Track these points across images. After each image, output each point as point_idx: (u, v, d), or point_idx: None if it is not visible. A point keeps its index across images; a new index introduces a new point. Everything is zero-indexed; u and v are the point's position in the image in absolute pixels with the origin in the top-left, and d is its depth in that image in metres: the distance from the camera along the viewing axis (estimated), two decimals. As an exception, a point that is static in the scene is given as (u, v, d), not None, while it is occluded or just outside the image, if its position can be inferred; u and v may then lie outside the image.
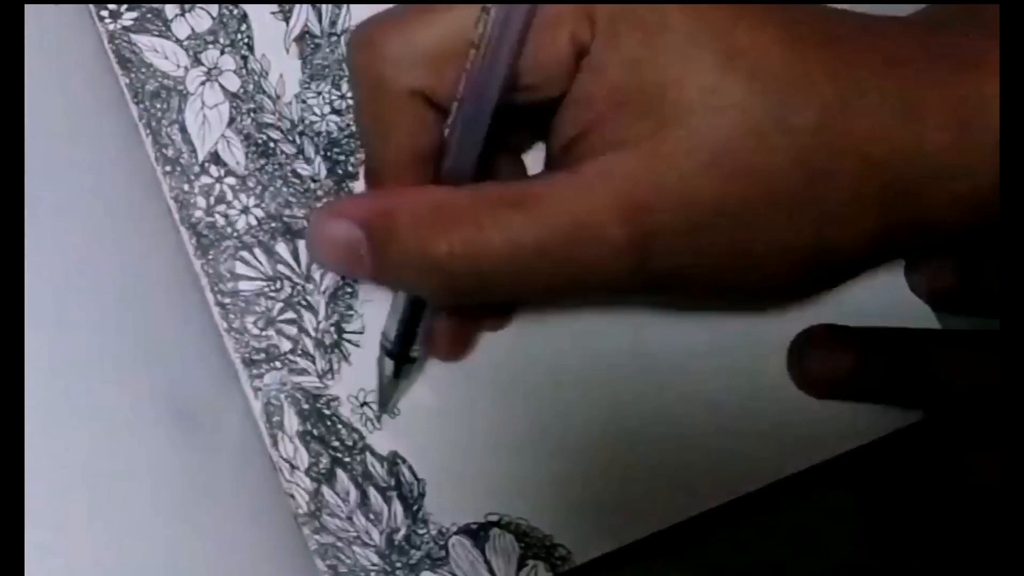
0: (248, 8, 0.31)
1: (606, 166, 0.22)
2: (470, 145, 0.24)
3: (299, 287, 0.30)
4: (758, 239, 0.23)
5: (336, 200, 0.25)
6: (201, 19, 0.31)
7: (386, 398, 0.29)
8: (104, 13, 0.31)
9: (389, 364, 0.27)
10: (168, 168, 0.30)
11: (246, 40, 0.31)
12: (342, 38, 0.31)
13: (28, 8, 0.29)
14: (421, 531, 0.29)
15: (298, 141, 0.30)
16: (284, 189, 0.30)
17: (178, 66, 0.31)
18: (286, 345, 0.30)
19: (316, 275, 0.30)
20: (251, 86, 0.31)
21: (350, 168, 0.30)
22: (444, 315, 0.27)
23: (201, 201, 0.30)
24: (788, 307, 0.29)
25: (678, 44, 0.22)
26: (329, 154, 0.30)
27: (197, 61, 0.31)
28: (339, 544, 0.29)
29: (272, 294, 0.30)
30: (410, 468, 0.29)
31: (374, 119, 0.25)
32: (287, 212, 0.30)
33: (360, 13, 0.31)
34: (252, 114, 0.31)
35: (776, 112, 0.22)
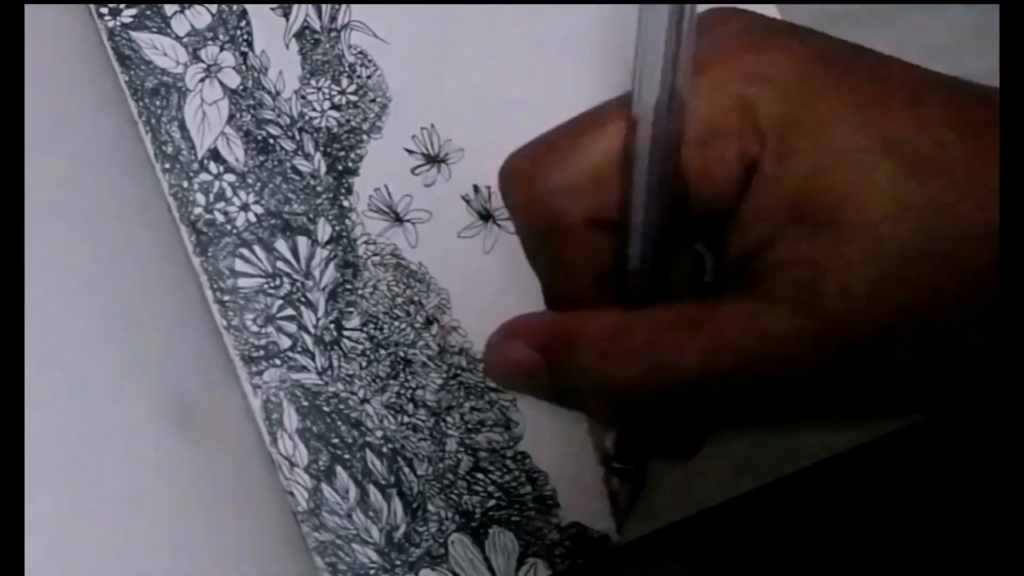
0: (247, 4, 0.31)
1: (788, 281, 0.22)
2: (648, 262, 0.23)
3: (298, 284, 0.30)
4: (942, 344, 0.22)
5: (512, 321, 0.25)
6: (200, 16, 0.31)
7: (625, 511, 0.28)
8: (104, 10, 0.31)
9: (625, 485, 0.27)
10: (167, 165, 0.30)
11: (245, 36, 0.31)
12: (342, 34, 0.31)
13: (28, 7, 0.29)
14: (420, 529, 0.29)
15: (298, 137, 0.30)
16: (284, 186, 0.30)
17: (177, 63, 0.31)
18: (285, 342, 0.30)
19: (315, 272, 0.30)
20: (250, 82, 0.31)
21: (350, 164, 0.30)
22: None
23: (200, 198, 0.30)
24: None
25: (849, 159, 0.21)
26: (329, 150, 0.30)
27: (196, 58, 0.31)
28: (338, 542, 0.29)
29: (271, 291, 0.30)
30: (411, 467, 0.29)
31: (555, 254, 0.24)
32: (287, 209, 0.30)
33: (359, 8, 0.30)
34: (251, 110, 0.30)
35: (948, 213, 0.21)
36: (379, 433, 0.30)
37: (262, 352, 0.30)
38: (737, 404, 0.24)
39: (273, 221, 0.30)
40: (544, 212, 0.23)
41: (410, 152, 0.30)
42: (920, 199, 0.21)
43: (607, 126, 0.23)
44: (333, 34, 0.31)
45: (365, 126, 0.30)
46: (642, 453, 0.27)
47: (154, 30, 0.31)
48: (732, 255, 0.24)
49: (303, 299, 0.30)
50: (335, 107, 0.30)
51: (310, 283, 0.30)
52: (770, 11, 0.29)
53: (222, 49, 0.31)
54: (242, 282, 0.30)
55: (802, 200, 0.22)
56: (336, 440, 0.30)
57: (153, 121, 0.30)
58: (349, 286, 0.30)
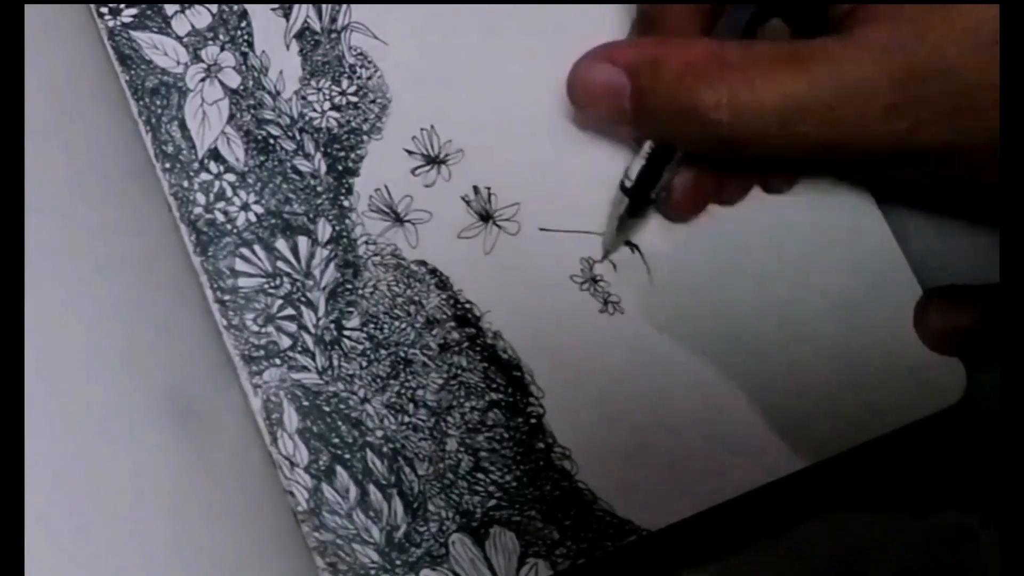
0: (247, 5, 0.31)
1: (882, 34, 0.23)
2: (748, 6, 0.24)
3: (299, 284, 0.30)
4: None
5: (602, 45, 0.26)
6: (201, 16, 0.31)
7: (613, 238, 0.29)
8: (104, 10, 0.31)
9: (624, 201, 0.28)
10: (168, 165, 0.30)
11: (246, 37, 0.31)
12: (342, 35, 0.31)
13: (28, 7, 0.28)
14: (421, 528, 0.29)
15: (298, 137, 0.30)
16: (284, 186, 0.30)
17: (178, 63, 0.31)
18: (285, 342, 0.30)
19: (316, 272, 0.30)
20: (251, 82, 0.31)
21: (350, 164, 0.30)
22: (688, 170, 0.28)
23: (200, 198, 0.30)
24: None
25: None
26: (329, 150, 0.30)
27: (197, 58, 0.31)
28: (339, 541, 0.29)
29: (271, 291, 0.30)
30: (411, 466, 0.29)
31: None
32: (287, 209, 0.30)
33: (359, 10, 0.30)
34: (252, 110, 0.30)
35: None
36: (379, 433, 0.30)
37: (262, 352, 0.30)
38: (813, 145, 0.24)
39: (273, 221, 0.30)
40: None
41: (410, 153, 0.30)
42: None
43: None
44: (333, 35, 0.31)
45: (365, 127, 0.30)
46: (652, 180, 0.27)
47: (154, 30, 0.31)
48: (835, 11, 0.24)
49: (303, 299, 0.30)
50: (335, 108, 0.30)
51: (310, 283, 0.30)
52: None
53: (222, 49, 0.31)
54: (242, 281, 0.30)
55: None
56: (336, 440, 0.30)
57: (153, 121, 0.30)
58: (349, 286, 0.30)
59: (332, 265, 0.30)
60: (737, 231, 0.30)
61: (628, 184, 0.28)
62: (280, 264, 0.30)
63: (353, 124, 0.30)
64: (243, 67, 0.31)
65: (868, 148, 0.24)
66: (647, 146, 0.27)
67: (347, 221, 0.30)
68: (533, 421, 0.29)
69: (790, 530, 0.31)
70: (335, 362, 0.30)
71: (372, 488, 0.29)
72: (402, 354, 0.30)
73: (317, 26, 0.31)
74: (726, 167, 0.28)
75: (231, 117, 0.30)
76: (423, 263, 0.30)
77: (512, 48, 0.30)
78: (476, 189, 0.30)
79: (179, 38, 0.31)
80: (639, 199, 0.28)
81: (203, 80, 0.31)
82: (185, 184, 0.30)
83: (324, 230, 0.30)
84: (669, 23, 0.26)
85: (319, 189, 0.30)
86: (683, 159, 0.27)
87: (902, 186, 0.30)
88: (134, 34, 0.31)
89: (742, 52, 0.23)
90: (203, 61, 0.31)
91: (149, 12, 0.31)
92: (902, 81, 0.22)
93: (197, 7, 0.31)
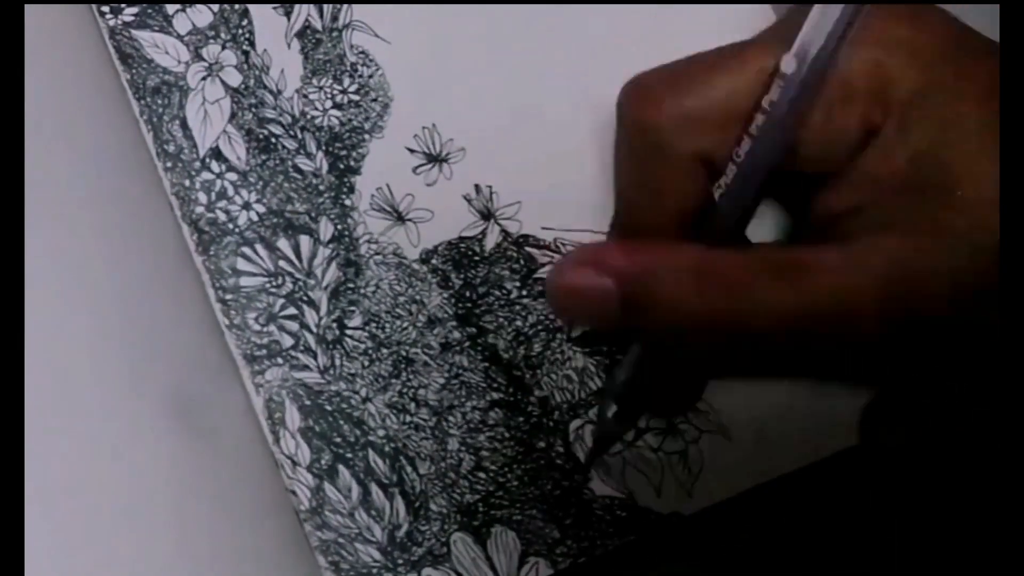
0: (250, 4, 0.31)
1: (880, 245, 0.22)
2: (738, 207, 0.24)
3: (301, 283, 0.30)
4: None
5: (581, 249, 0.25)
6: (202, 14, 0.31)
7: (601, 447, 0.29)
8: (105, 9, 0.31)
9: (613, 408, 0.27)
10: (169, 164, 0.30)
11: (247, 35, 0.31)
12: (343, 33, 0.30)
13: (28, 6, 0.28)
14: (423, 528, 0.29)
15: (299, 136, 0.30)
16: (285, 185, 0.30)
17: (179, 61, 0.31)
18: (287, 341, 0.30)
19: (317, 271, 0.30)
20: (252, 81, 0.31)
21: (352, 163, 0.30)
22: (673, 371, 0.27)
23: (202, 197, 0.30)
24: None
25: (971, 138, 0.21)
26: (331, 149, 0.30)
27: (198, 56, 0.31)
28: (341, 540, 0.29)
29: (273, 290, 0.30)
30: (413, 465, 0.29)
31: (647, 179, 0.24)
32: (288, 208, 0.30)
33: (360, 8, 0.30)
34: (253, 109, 0.30)
35: None
36: (381, 432, 0.30)
37: (264, 351, 0.30)
38: (801, 350, 0.23)
39: (275, 220, 0.30)
40: (654, 136, 0.23)
41: (412, 151, 0.30)
42: None
43: (745, 68, 0.23)
44: (335, 33, 0.31)
45: (367, 125, 0.30)
46: (644, 403, 0.27)
47: (155, 28, 0.31)
48: (820, 213, 0.24)
49: (305, 298, 0.30)
50: (337, 106, 0.30)
51: (312, 282, 0.30)
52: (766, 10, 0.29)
53: (224, 48, 0.31)
54: (244, 281, 0.30)
55: (916, 171, 0.22)
56: (338, 439, 0.30)
57: (155, 120, 0.30)
58: (351, 285, 0.30)
59: (334, 264, 0.30)
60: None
61: (616, 391, 0.27)
62: (282, 263, 0.30)
63: (355, 122, 0.30)
64: (244, 66, 0.31)
65: (851, 352, 0.24)
66: (633, 353, 0.27)
67: (349, 220, 0.30)
68: (534, 420, 0.29)
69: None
70: (337, 361, 0.30)
71: (374, 487, 0.29)
72: (404, 353, 0.30)
73: (318, 24, 0.31)
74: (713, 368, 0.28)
75: (232, 116, 0.30)
76: (424, 261, 0.30)
77: (514, 46, 0.30)
78: (478, 188, 0.30)
79: (180, 37, 0.31)
80: (629, 408, 0.27)
81: (204, 79, 0.31)
82: (187, 183, 0.30)
83: (326, 229, 0.30)
84: (651, 232, 0.25)
85: (321, 188, 0.30)
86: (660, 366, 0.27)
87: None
88: (135, 33, 0.31)
89: (739, 261, 0.23)
90: (204, 60, 0.31)
91: (150, 11, 0.31)
92: (893, 295, 0.22)
93: (198, 5, 0.31)
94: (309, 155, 0.30)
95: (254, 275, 0.30)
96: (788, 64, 0.22)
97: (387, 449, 0.29)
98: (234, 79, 0.31)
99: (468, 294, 0.30)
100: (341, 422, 0.30)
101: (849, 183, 0.23)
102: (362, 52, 0.30)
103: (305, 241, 0.30)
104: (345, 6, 0.30)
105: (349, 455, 0.30)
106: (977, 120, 0.21)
